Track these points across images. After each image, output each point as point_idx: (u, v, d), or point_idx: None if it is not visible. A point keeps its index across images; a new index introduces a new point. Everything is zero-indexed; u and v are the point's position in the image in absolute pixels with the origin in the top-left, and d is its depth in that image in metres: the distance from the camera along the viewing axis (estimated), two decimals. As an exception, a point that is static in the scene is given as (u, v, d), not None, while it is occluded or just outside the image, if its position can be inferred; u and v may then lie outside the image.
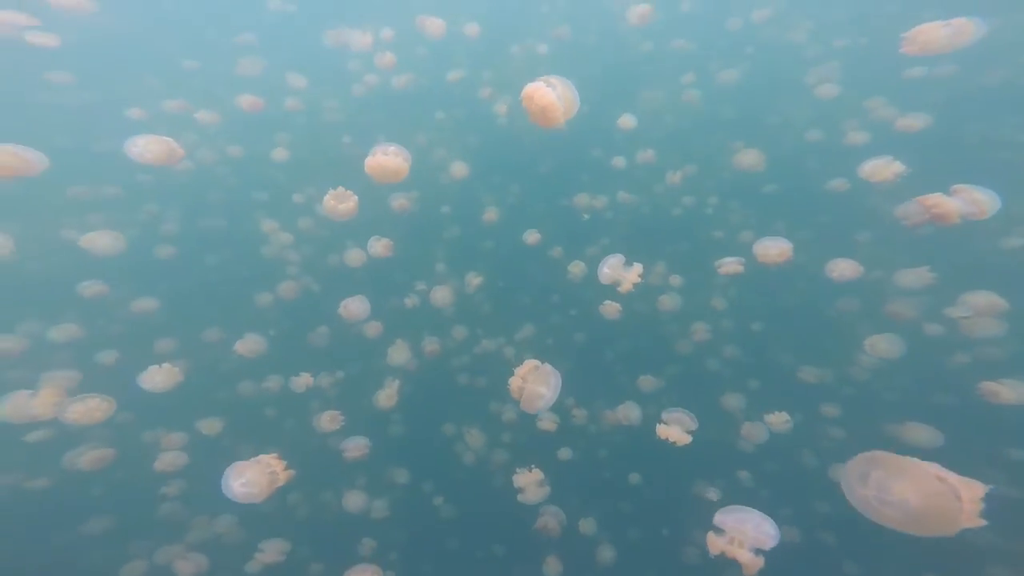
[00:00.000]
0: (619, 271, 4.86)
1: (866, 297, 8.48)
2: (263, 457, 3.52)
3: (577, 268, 8.59)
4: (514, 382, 3.56)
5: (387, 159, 4.21)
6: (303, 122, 12.04)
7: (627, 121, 8.86)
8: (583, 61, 12.39)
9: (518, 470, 5.20)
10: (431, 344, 9.41)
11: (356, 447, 7.06)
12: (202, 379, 9.56)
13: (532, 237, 9.06)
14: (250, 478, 3.40)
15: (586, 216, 10.67)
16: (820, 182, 8.98)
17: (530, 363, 3.61)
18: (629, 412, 7.41)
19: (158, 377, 5.65)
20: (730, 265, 6.01)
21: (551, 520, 7.38)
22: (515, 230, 10.20)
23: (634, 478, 8.46)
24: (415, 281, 10.58)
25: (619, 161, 9.80)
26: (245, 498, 3.44)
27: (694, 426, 4.09)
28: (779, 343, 9.26)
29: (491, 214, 10.20)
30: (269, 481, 3.46)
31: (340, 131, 12.26)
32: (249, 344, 7.60)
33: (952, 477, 2.06)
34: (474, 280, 9.71)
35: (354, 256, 7.62)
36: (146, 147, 4.50)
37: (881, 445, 6.95)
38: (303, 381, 6.72)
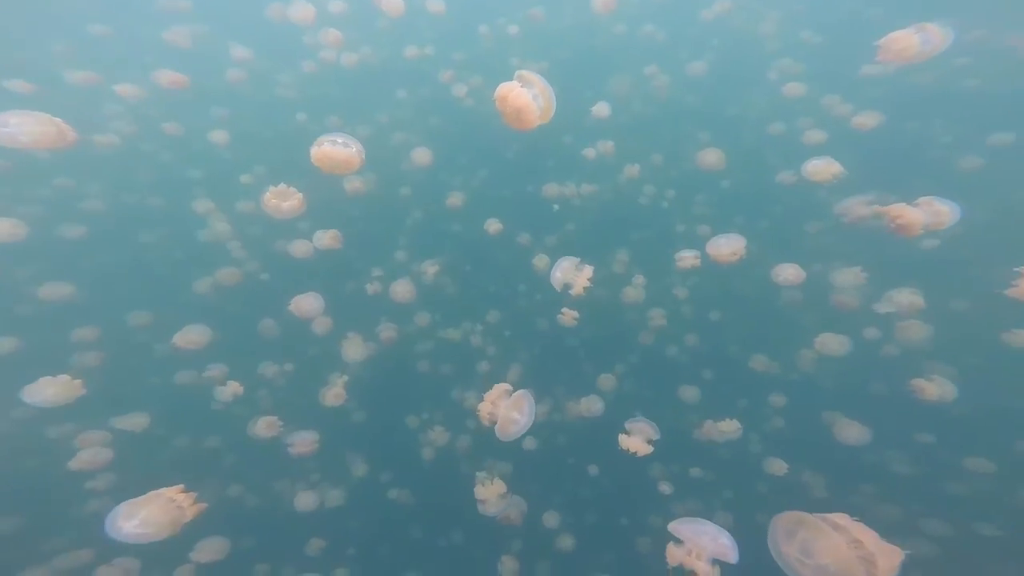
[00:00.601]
0: (570, 274, 4.80)
1: (810, 291, 8.83)
2: (164, 491, 3.00)
3: (541, 262, 8.48)
4: (484, 408, 3.43)
5: (335, 150, 3.90)
6: (249, 97, 11.24)
7: (601, 109, 8.77)
8: (555, 44, 12.08)
9: (479, 475, 5.11)
10: (388, 330, 9.11)
11: (304, 442, 6.82)
12: (127, 369, 9.01)
13: (494, 227, 8.82)
14: (146, 517, 2.89)
15: (556, 207, 10.53)
16: (774, 176, 9.22)
17: (500, 387, 3.48)
18: (592, 404, 7.47)
19: (50, 390, 4.90)
20: (687, 259, 6.10)
21: (513, 510, 7.44)
22: (479, 217, 9.98)
23: (593, 469, 8.56)
24: (372, 268, 10.21)
25: (590, 151, 9.67)
26: (140, 539, 2.93)
27: (656, 436, 4.11)
28: (732, 333, 9.53)
29: (455, 199, 9.87)
30: (172, 519, 2.98)
31: (291, 108, 11.53)
32: (190, 335, 7.08)
33: (871, 543, 2.15)
34: (431, 269, 9.45)
35: (300, 247, 7.14)
36: (21, 127, 3.70)
37: (818, 434, 7.34)
38: (230, 390, 6.27)
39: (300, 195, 4.58)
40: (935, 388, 5.58)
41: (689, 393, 8.20)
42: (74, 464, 6.40)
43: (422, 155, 8.94)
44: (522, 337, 10.41)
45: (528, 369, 9.83)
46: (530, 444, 8.29)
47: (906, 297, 6.16)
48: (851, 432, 6.47)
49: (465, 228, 10.90)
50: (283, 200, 4.56)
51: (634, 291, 8.71)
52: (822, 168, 5.74)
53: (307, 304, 5.91)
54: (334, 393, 6.96)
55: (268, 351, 9.01)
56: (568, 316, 6.15)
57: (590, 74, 11.88)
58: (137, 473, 7.67)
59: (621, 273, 10.16)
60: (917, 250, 7.74)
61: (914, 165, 9.20)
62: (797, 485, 7.86)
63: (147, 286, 9.79)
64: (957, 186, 9.32)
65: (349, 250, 10.65)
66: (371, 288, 8.85)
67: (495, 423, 3.45)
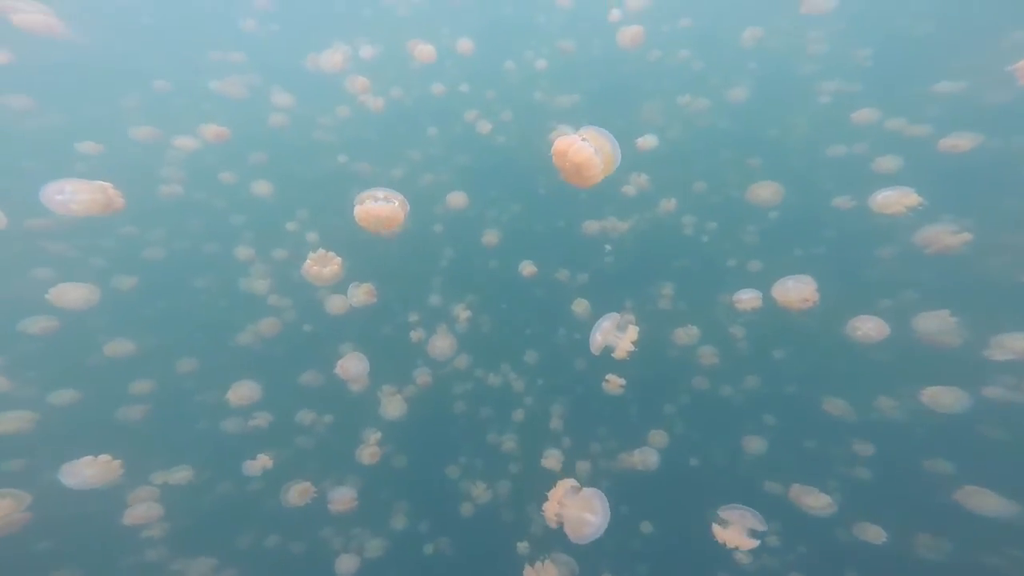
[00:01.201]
0: (612, 335, 4.29)
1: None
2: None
3: (580, 307, 8.07)
4: (550, 508, 3.02)
5: (378, 208, 3.66)
6: (291, 141, 11.49)
7: (647, 141, 8.20)
8: (584, 75, 11.94)
9: (529, 567, 4.61)
10: (423, 375, 8.82)
11: (343, 500, 6.49)
12: (173, 418, 8.99)
13: (528, 269, 8.42)
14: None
15: (609, 247, 10.05)
16: (829, 203, 8.60)
17: (565, 484, 3.08)
18: (647, 457, 6.90)
19: (88, 471, 4.60)
20: (747, 301, 5.56)
21: (550, 567, 6.89)
22: (514, 254, 9.73)
23: (646, 526, 7.89)
24: (408, 311, 10.02)
25: (629, 188, 9.31)
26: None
27: (762, 527, 3.50)
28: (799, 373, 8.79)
29: (491, 237, 9.60)
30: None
31: (329, 151, 11.72)
32: (242, 391, 6.93)
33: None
34: (463, 314, 9.17)
35: (336, 304, 6.94)
36: (75, 195, 3.64)
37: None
38: (260, 464, 6.07)
39: (339, 260, 4.41)
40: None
41: (754, 444, 7.50)
42: (127, 519, 6.29)
43: (457, 199, 8.73)
44: (561, 378, 9.95)
45: (570, 414, 9.33)
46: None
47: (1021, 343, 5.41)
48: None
49: (501, 265, 10.64)
50: (323, 266, 4.38)
51: (684, 333, 8.14)
52: (894, 200, 5.13)
53: (352, 366, 5.65)
54: (369, 452, 6.67)
55: (307, 401, 8.84)
56: (614, 383, 5.58)
57: (622, 104, 11.64)
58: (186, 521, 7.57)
59: (667, 309, 9.64)
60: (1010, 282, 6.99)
61: (1000, 186, 8.44)
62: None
63: (194, 334, 9.88)
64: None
65: (385, 291, 10.61)
66: (415, 336, 8.61)
67: (562, 523, 3.01)
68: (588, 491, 3.07)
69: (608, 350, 4.31)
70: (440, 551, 8.54)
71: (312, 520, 8.14)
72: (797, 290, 4.76)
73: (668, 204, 9.52)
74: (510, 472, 8.83)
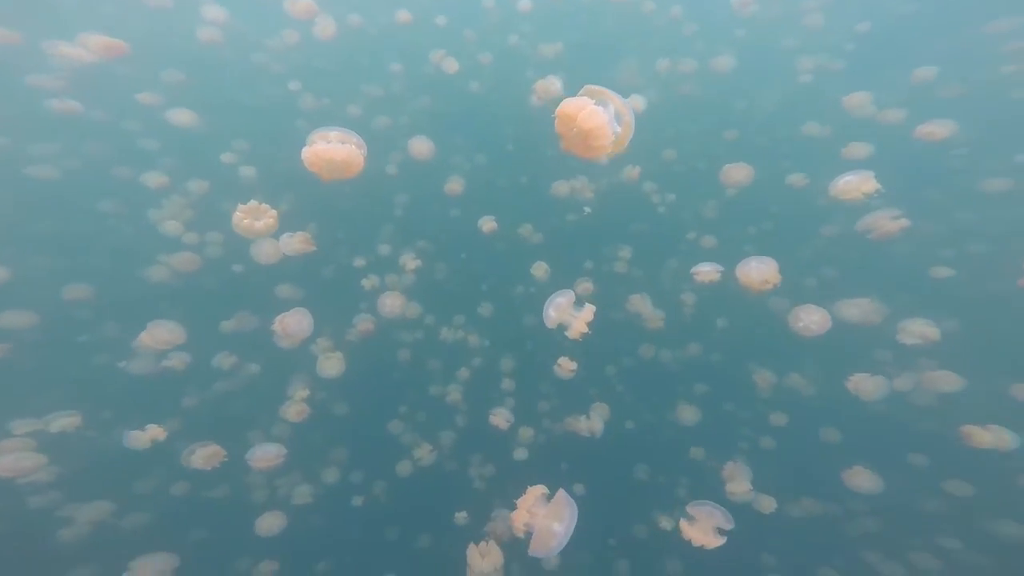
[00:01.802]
0: (567, 312, 4.08)
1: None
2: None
3: (540, 270, 7.83)
4: (518, 517, 2.84)
5: (332, 150, 3.14)
6: (226, 63, 10.07)
7: (634, 104, 7.64)
8: (570, 24, 11.14)
9: (473, 546, 4.51)
10: (365, 322, 8.30)
11: (266, 457, 6.08)
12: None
13: (488, 225, 7.98)
14: None
15: (587, 210, 9.62)
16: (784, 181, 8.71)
17: (535, 490, 2.89)
18: (593, 424, 7.00)
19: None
20: (706, 273, 5.51)
21: (501, 525, 7.00)
22: (473, 209, 9.26)
23: (579, 488, 8.12)
24: (354, 257, 9.40)
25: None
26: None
27: (729, 525, 3.53)
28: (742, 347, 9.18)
29: (455, 185, 8.98)
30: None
31: (273, 78, 10.41)
32: (159, 332, 6.14)
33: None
34: (411, 263, 8.66)
35: (267, 250, 6.09)
36: None
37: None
38: (149, 435, 5.30)
39: (274, 212, 3.84)
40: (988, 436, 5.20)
41: (687, 413, 7.81)
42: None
43: (420, 146, 7.95)
44: (513, 333, 9.85)
45: (518, 372, 9.32)
46: (521, 455, 7.84)
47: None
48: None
49: (462, 216, 10.14)
50: (256, 219, 3.80)
51: (640, 300, 8.17)
52: (854, 186, 5.11)
53: (294, 323, 5.05)
54: (296, 410, 6.24)
55: (228, 347, 8.17)
56: (565, 367, 5.46)
57: (604, 59, 11.06)
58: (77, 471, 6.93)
59: (623, 273, 9.62)
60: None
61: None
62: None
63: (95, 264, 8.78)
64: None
65: (328, 235, 9.85)
66: (368, 284, 8.03)
67: (529, 533, 2.86)
68: (559, 497, 2.92)
69: (562, 327, 4.14)
70: (371, 512, 8.44)
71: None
72: (759, 271, 4.73)
73: (633, 171, 9.25)
74: (455, 428, 8.79)
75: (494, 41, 10.79)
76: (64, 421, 6.29)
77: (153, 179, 7.64)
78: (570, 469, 8.39)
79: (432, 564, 7.98)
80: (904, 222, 5.35)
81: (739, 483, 5.42)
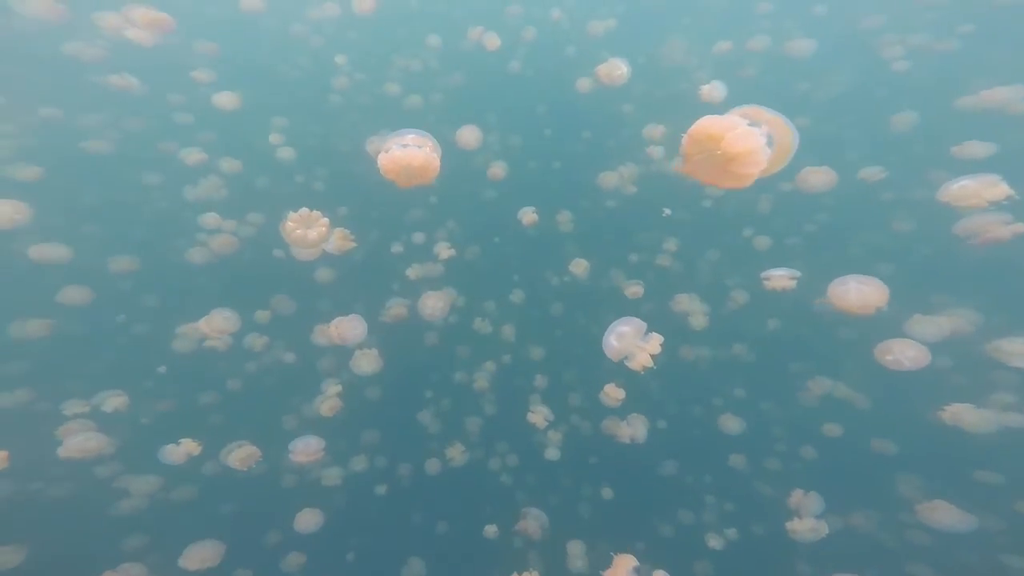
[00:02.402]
0: (631, 342, 3.66)
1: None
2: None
3: (579, 267, 7.46)
4: None
5: (410, 155, 2.85)
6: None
7: (712, 92, 5.88)
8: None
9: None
10: (398, 307, 8.06)
11: (307, 451, 5.98)
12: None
13: (528, 217, 7.49)
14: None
15: (667, 212, 8.90)
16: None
17: (625, 562, 2.65)
18: (635, 430, 6.76)
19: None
20: (780, 279, 5.05)
21: (532, 523, 6.91)
22: (511, 196, 8.90)
23: (608, 493, 7.94)
24: (390, 240, 9.16)
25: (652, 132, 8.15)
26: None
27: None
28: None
29: (496, 170, 8.55)
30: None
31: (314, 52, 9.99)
32: (217, 322, 6.02)
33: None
34: (445, 252, 8.36)
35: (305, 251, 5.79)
36: None
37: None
38: (184, 450, 5.25)
39: (326, 220, 3.57)
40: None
41: (731, 423, 7.52)
42: (64, 452, 5.60)
43: (466, 135, 7.38)
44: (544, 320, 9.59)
45: (551, 364, 9.10)
46: (553, 455, 7.69)
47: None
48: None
49: (500, 198, 9.76)
50: (307, 227, 3.53)
51: (688, 301, 7.78)
52: (973, 191, 4.03)
53: (349, 328, 4.81)
54: (328, 405, 6.10)
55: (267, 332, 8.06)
56: (611, 396, 5.10)
57: (657, 37, 10.36)
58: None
59: (668, 268, 9.16)
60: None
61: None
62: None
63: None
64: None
65: (364, 214, 9.61)
66: (412, 273, 7.80)
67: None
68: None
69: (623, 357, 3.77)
70: (398, 501, 8.39)
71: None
72: (861, 294, 4.15)
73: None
74: (486, 419, 8.65)
75: (536, 15, 10.17)
76: (115, 401, 6.34)
77: (191, 155, 7.41)
78: (608, 477, 8.16)
79: (457, 551, 7.99)
80: (1019, 227, 4.69)
81: (805, 520, 5.05)
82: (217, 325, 5.84)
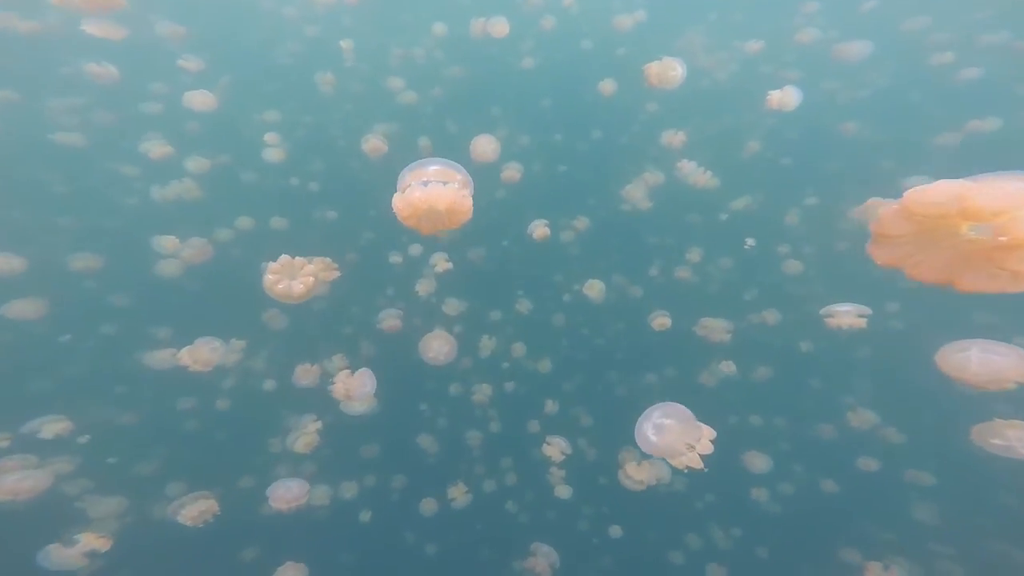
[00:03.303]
0: (675, 438, 2.86)
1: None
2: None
3: (592, 290, 6.75)
4: None
5: (432, 195, 2.09)
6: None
7: (785, 98, 4.89)
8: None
9: None
10: (391, 319, 7.31)
11: (287, 496, 5.22)
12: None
13: (540, 231, 6.59)
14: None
15: (750, 243, 8.03)
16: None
17: None
18: (655, 472, 6.12)
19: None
20: (845, 316, 4.33)
21: (542, 561, 6.37)
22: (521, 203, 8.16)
23: (616, 531, 7.31)
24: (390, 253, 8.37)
25: (672, 139, 7.39)
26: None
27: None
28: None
29: (512, 172, 7.72)
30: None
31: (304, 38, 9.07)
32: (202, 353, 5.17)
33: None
34: (442, 264, 7.60)
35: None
36: None
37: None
38: (82, 548, 4.24)
39: (312, 267, 2.84)
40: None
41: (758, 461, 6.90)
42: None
43: (484, 145, 6.42)
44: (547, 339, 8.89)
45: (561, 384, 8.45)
46: (564, 493, 7.06)
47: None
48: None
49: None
50: (291, 277, 2.81)
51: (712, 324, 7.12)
52: None
53: (358, 385, 4.01)
54: (304, 441, 5.37)
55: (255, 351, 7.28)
56: (634, 476, 4.44)
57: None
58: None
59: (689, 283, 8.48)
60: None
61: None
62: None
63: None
64: None
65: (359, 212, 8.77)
66: (422, 289, 7.04)
67: None
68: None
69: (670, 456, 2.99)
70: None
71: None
72: (991, 366, 3.00)
73: (703, 175, 7.86)
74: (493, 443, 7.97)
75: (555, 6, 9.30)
76: (56, 427, 5.52)
77: (157, 149, 6.45)
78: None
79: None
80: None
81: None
82: (202, 356, 4.99)
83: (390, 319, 7.39)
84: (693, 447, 2.76)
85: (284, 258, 2.89)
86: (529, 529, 7.52)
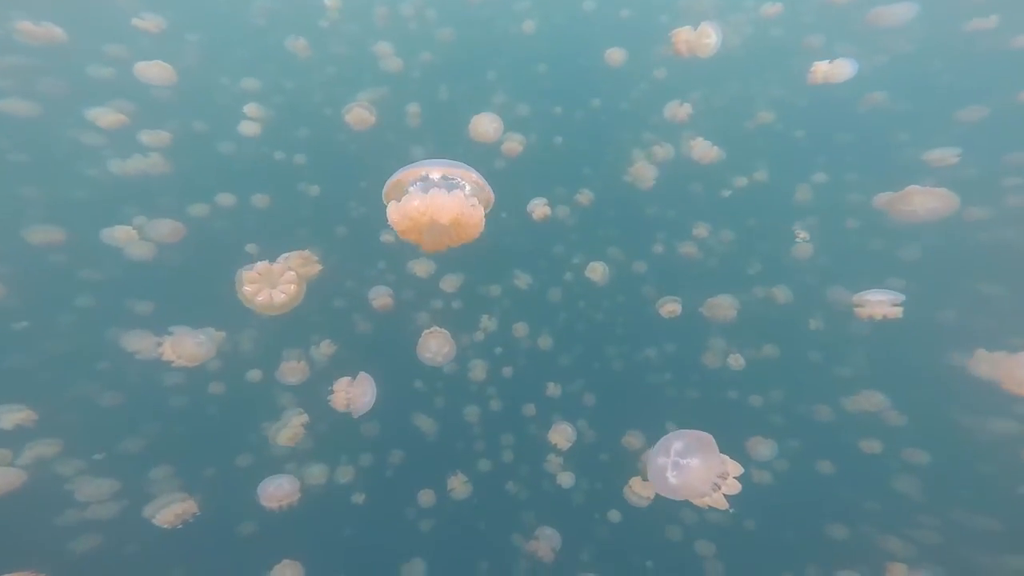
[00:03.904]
0: (698, 477, 2.49)
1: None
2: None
3: (596, 273, 6.39)
4: None
5: (433, 205, 1.69)
6: None
7: (834, 70, 4.32)
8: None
9: None
10: (383, 297, 6.90)
11: (277, 494, 4.99)
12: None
13: (540, 211, 6.00)
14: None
15: (802, 236, 7.38)
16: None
17: None
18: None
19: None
20: (878, 306, 3.94)
21: (544, 545, 6.34)
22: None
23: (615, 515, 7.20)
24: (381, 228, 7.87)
25: (678, 110, 6.85)
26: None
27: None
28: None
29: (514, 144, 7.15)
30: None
31: None
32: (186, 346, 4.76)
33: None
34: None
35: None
36: None
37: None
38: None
39: (293, 274, 2.46)
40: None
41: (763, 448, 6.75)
42: None
43: (483, 124, 5.83)
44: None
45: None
46: (567, 480, 6.92)
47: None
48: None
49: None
50: (271, 286, 2.41)
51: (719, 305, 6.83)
52: None
53: (359, 394, 3.62)
54: (288, 434, 5.09)
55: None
56: (639, 492, 4.24)
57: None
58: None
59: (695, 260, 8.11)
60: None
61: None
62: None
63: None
64: None
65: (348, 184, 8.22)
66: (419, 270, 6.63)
67: None
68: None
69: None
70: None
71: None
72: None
73: (710, 150, 7.30)
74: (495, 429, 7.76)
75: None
76: (16, 416, 5.18)
77: (106, 117, 5.77)
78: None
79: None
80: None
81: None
82: (187, 351, 4.53)
83: (381, 297, 7.00)
84: (719, 487, 2.44)
85: (261, 265, 2.48)
86: (529, 511, 7.41)
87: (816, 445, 7.61)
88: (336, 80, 8.69)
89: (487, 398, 7.89)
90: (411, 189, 1.73)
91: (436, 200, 1.68)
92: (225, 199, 7.28)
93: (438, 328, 4.33)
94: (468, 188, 1.80)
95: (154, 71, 5.01)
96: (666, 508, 7.54)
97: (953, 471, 7.00)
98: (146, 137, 6.30)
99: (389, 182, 1.82)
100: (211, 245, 6.93)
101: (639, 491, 4.23)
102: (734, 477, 2.48)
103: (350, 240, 8.54)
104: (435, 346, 4.30)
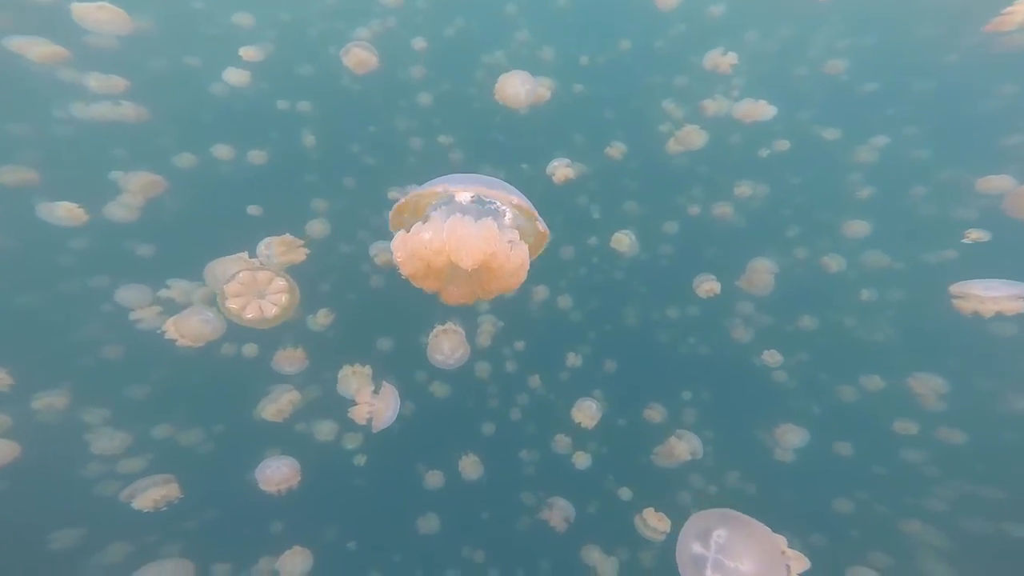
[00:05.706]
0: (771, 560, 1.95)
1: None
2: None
3: (621, 243, 5.75)
4: None
5: (460, 240, 1.12)
6: None
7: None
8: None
9: None
10: (384, 255, 6.38)
11: (277, 477, 4.73)
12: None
13: (561, 172, 4.97)
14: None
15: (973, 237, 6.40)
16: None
17: None
18: (687, 445, 5.62)
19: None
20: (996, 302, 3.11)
21: (557, 515, 6.29)
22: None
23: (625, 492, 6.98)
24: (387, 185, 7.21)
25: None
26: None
27: None
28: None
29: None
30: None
31: None
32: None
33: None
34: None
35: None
36: None
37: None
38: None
39: (283, 283, 1.95)
40: None
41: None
42: None
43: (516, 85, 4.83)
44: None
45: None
46: (582, 460, 6.66)
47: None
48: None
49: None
50: (259, 296, 1.92)
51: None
52: None
53: (384, 408, 3.18)
54: (276, 408, 4.76)
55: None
56: (653, 524, 3.76)
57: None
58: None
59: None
60: None
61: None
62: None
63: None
64: None
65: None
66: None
67: None
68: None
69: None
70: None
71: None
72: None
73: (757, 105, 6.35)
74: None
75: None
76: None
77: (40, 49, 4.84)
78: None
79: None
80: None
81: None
82: (192, 329, 4.04)
83: (384, 253, 6.47)
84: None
85: (243, 275, 1.98)
86: (543, 484, 7.27)
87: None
88: (334, 12, 7.69)
89: (503, 359, 7.51)
90: (433, 214, 1.15)
91: (457, 232, 1.10)
92: (221, 151, 6.59)
93: (452, 326, 3.79)
94: (508, 216, 1.22)
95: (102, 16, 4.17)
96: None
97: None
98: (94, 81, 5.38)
99: (398, 202, 1.23)
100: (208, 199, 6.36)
101: (654, 523, 3.78)
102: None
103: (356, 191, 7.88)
104: (448, 348, 3.80)
